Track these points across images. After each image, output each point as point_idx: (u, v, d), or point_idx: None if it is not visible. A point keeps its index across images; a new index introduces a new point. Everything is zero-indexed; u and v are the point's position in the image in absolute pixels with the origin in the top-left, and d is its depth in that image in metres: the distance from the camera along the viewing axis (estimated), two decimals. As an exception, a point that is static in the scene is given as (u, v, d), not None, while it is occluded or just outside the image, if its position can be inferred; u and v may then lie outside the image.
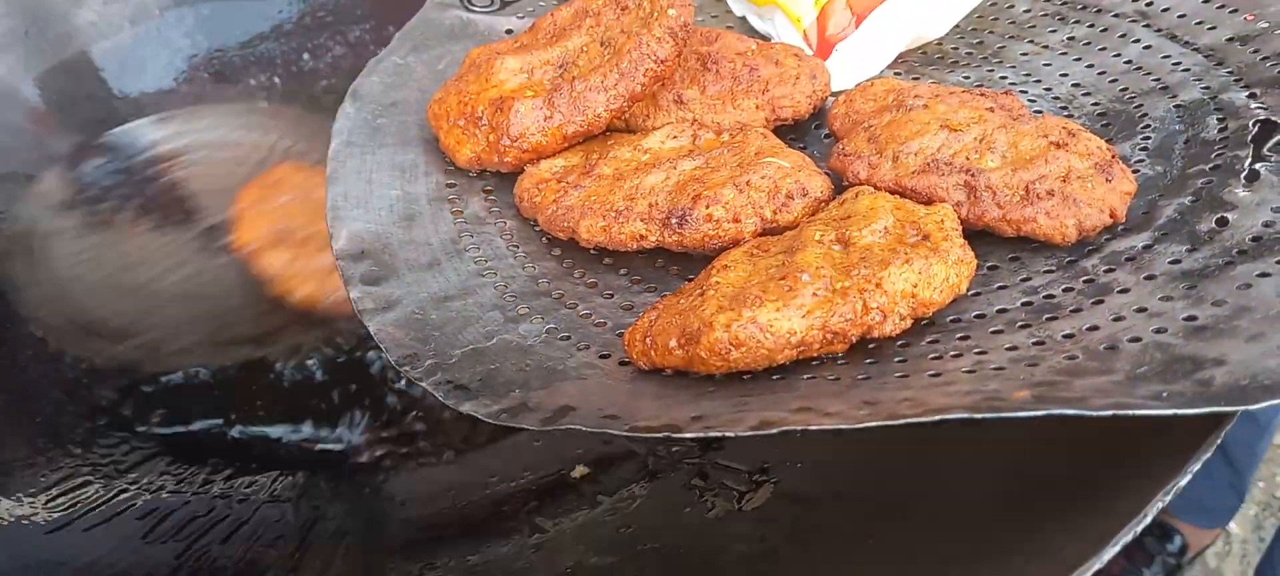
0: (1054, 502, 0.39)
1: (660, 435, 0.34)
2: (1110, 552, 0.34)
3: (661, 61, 0.46)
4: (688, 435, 0.33)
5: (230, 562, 0.55)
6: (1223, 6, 0.50)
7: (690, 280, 0.41)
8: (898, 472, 0.46)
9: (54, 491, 0.59)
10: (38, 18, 0.88)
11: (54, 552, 0.55)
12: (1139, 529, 0.34)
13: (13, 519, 0.56)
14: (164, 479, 0.61)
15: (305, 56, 0.98)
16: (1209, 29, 0.49)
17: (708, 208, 0.42)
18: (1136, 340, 0.34)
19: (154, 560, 0.55)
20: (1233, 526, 1.25)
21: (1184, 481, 0.35)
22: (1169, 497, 0.35)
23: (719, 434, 0.33)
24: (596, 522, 0.54)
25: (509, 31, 0.59)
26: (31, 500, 0.58)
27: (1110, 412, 0.29)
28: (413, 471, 0.62)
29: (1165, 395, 0.30)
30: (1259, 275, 0.35)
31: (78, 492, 0.59)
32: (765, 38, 0.56)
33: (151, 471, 0.61)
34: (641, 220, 0.43)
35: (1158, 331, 0.34)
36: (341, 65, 0.98)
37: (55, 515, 0.57)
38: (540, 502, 0.57)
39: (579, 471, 0.58)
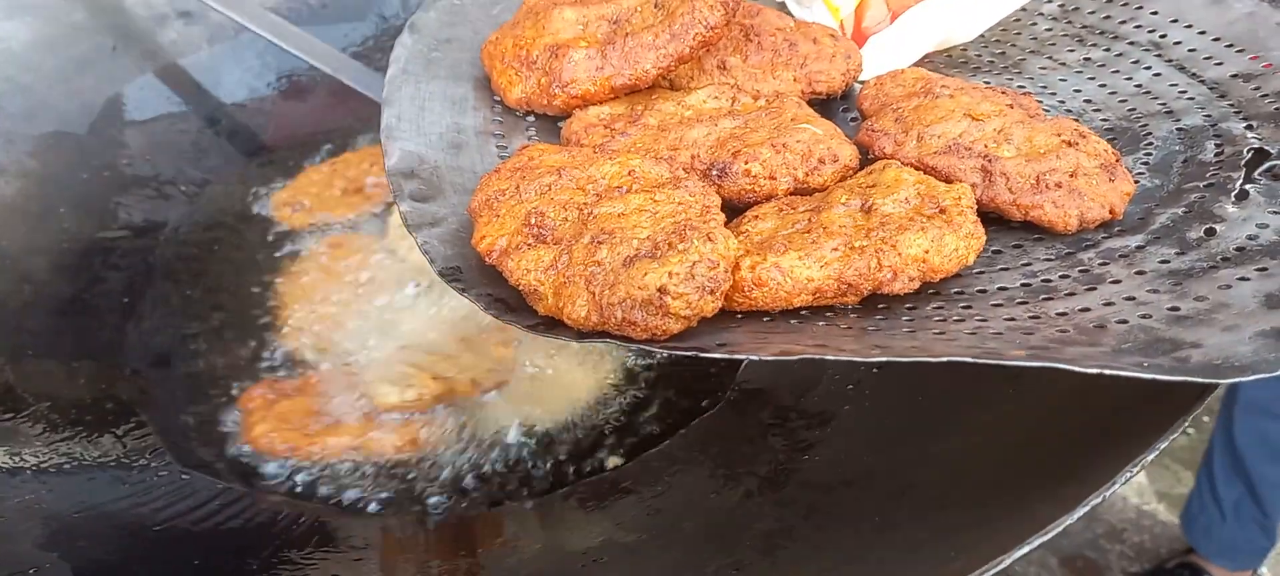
0: (1039, 480, 0.43)
1: (688, 353, 0.37)
2: (1081, 511, 0.38)
3: (711, 27, 0.50)
4: (714, 355, 0.37)
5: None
6: (1230, 45, 0.54)
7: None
8: (903, 462, 0.50)
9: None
10: (125, 36, 0.93)
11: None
12: (1108, 493, 0.38)
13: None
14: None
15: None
16: (1216, 65, 0.53)
17: (747, 163, 0.45)
18: (1123, 322, 0.37)
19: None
20: (1264, 570, 1.29)
21: (1150, 457, 0.39)
22: (1137, 470, 0.38)
23: (743, 357, 0.36)
24: (627, 505, 0.58)
25: (562, -14, 0.62)
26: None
27: (1097, 371, 0.33)
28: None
29: (1146, 365, 0.34)
30: (1239, 279, 0.39)
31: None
32: (803, 23, 0.60)
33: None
34: (684, 169, 0.46)
35: (1143, 316, 0.38)
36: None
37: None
38: (574, 485, 0.61)
39: (612, 461, 0.62)
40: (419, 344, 0.71)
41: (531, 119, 0.54)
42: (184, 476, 0.61)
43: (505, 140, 0.53)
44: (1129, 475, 0.38)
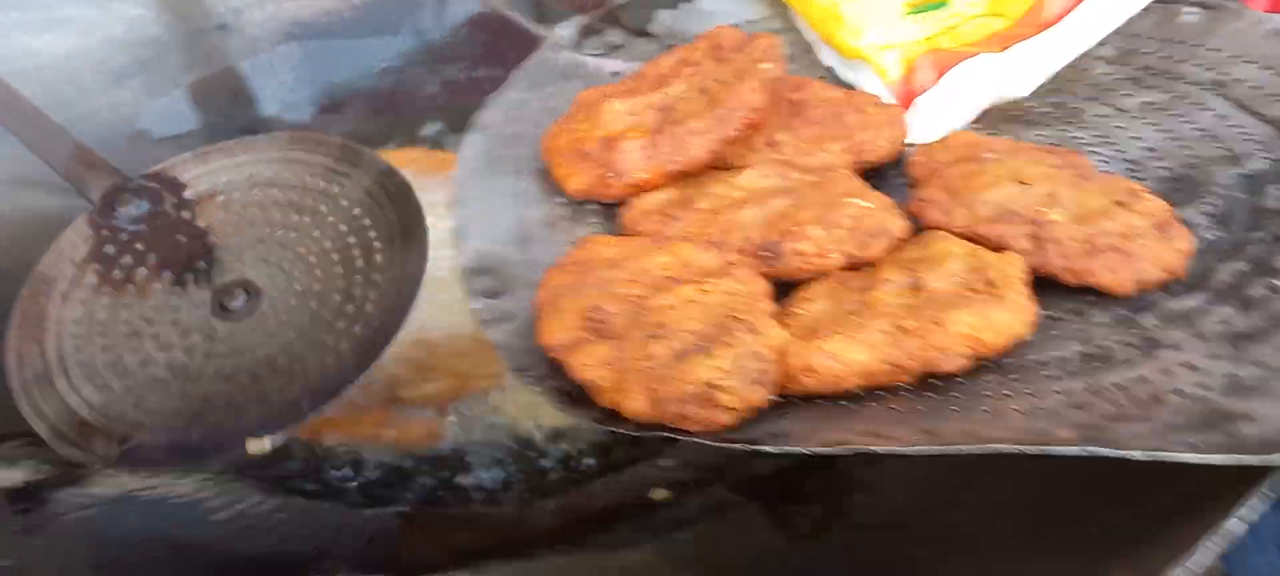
0: (1117, 542, 0.41)
1: (742, 446, 0.39)
2: None
3: (754, 110, 0.51)
4: (767, 449, 0.38)
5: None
6: (1296, 79, 0.53)
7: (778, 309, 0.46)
8: (966, 508, 0.49)
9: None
10: (160, 49, 0.94)
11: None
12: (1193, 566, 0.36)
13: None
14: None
15: (401, 95, 1.01)
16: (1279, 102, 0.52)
17: (797, 243, 0.47)
18: (1180, 393, 0.37)
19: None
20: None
21: (1231, 524, 0.37)
22: (1221, 542, 0.37)
23: (795, 450, 0.38)
24: (676, 542, 0.58)
25: (615, 74, 0.64)
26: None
27: (1147, 456, 0.33)
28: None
29: (1200, 445, 0.33)
30: None
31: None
32: (851, 88, 0.61)
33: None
34: (738, 251, 0.47)
35: (1200, 386, 0.37)
36: (435, 103, 1.01)
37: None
38: (621, 520, 0.61)
39: (660, 494, 0.62)
40: (434, 339, 0.71)
41: (594, 207, 0.56)
42: (230, 488, 0.62)
43: (570, 231, 0.55)
44: (1213, 547, 0.36)
